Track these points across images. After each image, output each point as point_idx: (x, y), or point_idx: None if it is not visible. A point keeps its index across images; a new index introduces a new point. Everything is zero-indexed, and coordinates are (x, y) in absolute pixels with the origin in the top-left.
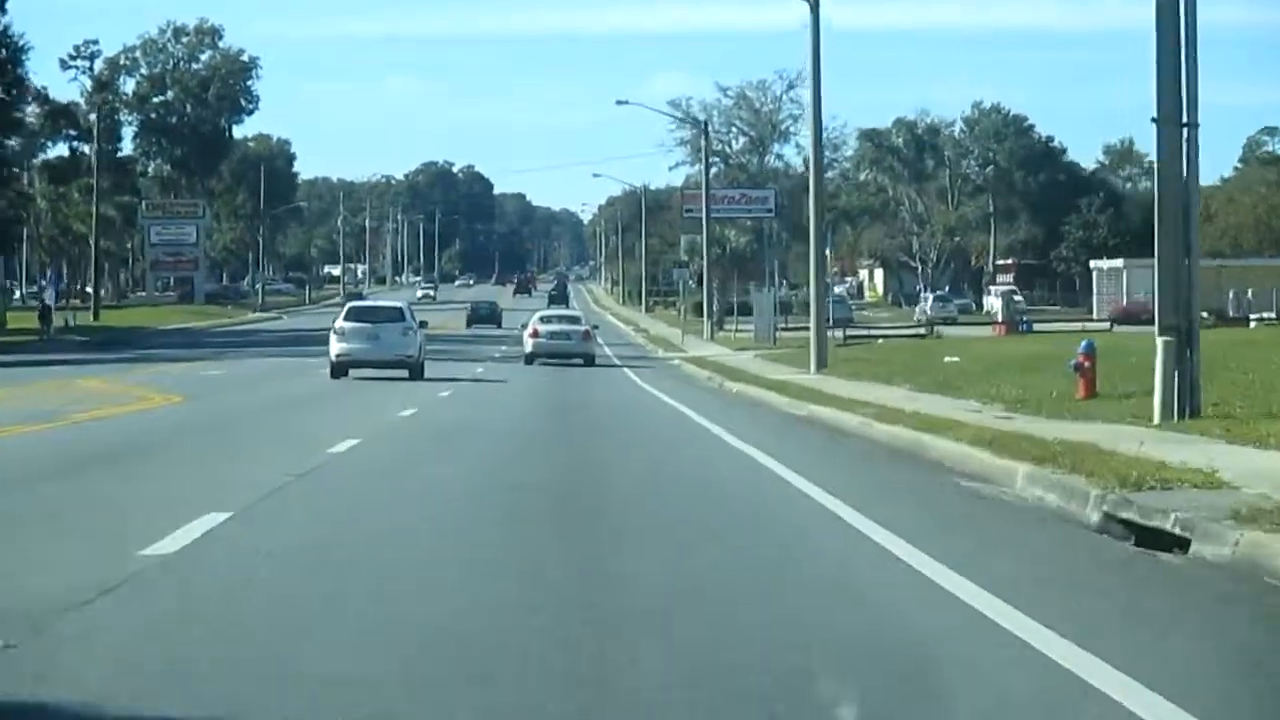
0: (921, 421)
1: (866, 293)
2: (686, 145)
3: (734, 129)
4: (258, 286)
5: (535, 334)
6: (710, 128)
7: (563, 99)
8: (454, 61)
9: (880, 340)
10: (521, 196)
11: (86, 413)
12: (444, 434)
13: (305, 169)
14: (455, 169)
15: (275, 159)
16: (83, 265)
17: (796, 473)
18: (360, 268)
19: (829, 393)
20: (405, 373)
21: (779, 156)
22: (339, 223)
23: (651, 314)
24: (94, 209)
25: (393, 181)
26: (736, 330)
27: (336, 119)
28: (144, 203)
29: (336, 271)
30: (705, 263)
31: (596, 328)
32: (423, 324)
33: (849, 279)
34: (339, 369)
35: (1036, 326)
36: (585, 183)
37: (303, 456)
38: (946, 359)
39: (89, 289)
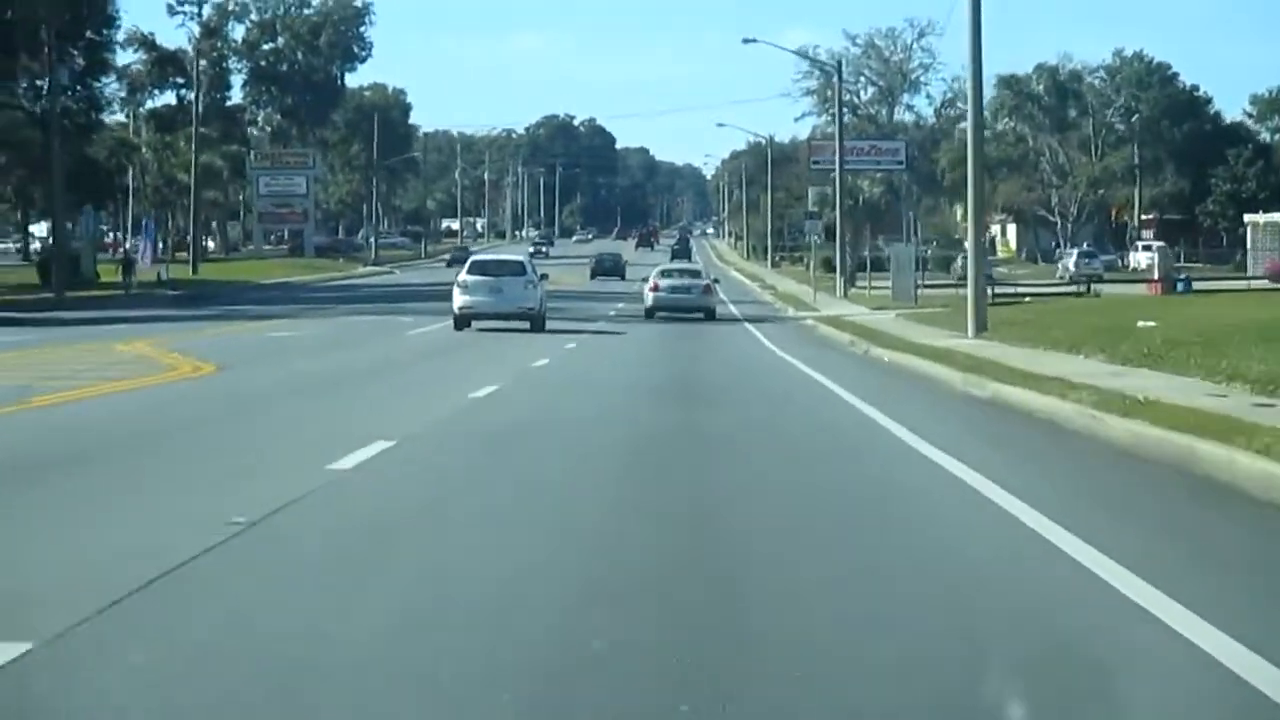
0: (1175, 417)
1: (999, 249)
2: (813, 95)
3: (862, 79)
4: (370, 240)
5: (655, 288)
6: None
7: (688, 54)
8: (576, 18)
9: (1028, 299)
10: (644, 150)
11: (65, 393)
12: (507, 436)
13: (426, 123)
14: (576, 122)
15: (391, 109)
16: (189, 217)
17: (1064, 528)
18: (479, 222)
19: (1009, 365)
20: (526, 324)
21: (909, 107)
22: (457, 175)
23: (778, 269)
24: (193, 156)
25: (513, 135)
26: (871, 288)
27: (457, 73)
28: (252, 152)
29: (456, 225)
30: (838, 215)
31: (717, 281)
32: (544, 277)
33: None
34: (462, 321)
35: (1194, 284)
36: (708, 135)
37: (288, 476)
38: (1141, 323)
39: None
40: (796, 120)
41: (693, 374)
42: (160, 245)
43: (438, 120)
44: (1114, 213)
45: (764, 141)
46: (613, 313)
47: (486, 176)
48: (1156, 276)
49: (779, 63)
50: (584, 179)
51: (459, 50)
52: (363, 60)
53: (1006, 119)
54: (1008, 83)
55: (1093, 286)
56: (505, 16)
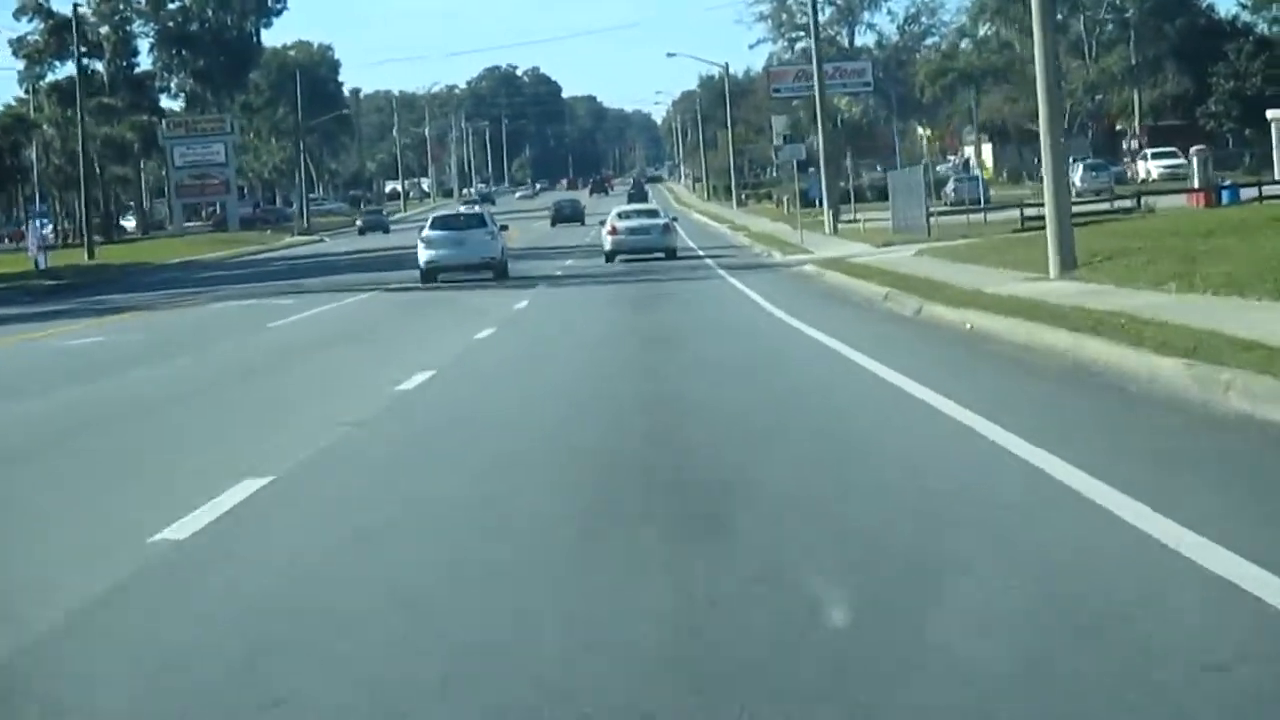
0: None
1: (976, 170)
2: (766, 20)
3: None
4: (300, 207)
5: (614, 231)
6: None
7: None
8: None
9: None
10: (592, 99)
11: None
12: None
13: (365, 84)
14: (520, 72)
15: (317, 67)
16: (99, 196)
17: None
18: (425, 182)
19: (1231, 335)
20: (490, 274)
21: (870, 26)
22: (394, 133)
23: (745, 208)
24: (79, 128)
25: (455, 90)
26: (863, 220)
27: (391, 30)
28: (164, 122)
29: (400, 187)
30: (820, 139)
31: (675, 219)
32: (504, 228)
33: (952, 156)
34: (429, 274)
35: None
36: (658, 73)
37: None
38: None
39: (116, 223)
40: (751, 48)
41: (668, 384)
42: (53, 230)
43: (377, 81)
44: (1109, 121)
45: (719, 71)
46: (559, 271)
47: (428, 133)
48: (1197, 185)
49: None
50: (531, 130)
51: (392, 5)
52: (277, 14)
53: (988, 24)
54: None
55: (1143, 201)
56: None
